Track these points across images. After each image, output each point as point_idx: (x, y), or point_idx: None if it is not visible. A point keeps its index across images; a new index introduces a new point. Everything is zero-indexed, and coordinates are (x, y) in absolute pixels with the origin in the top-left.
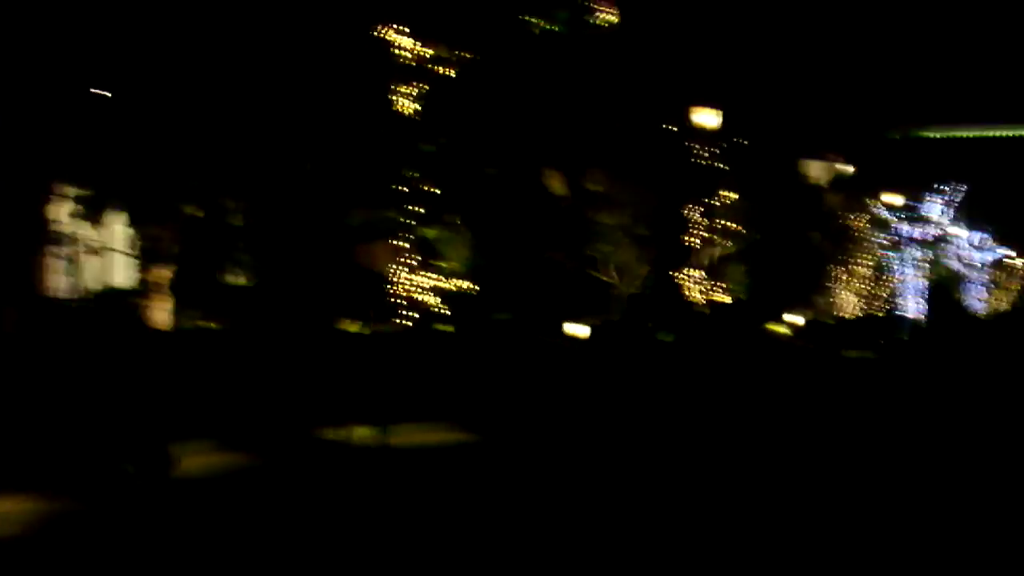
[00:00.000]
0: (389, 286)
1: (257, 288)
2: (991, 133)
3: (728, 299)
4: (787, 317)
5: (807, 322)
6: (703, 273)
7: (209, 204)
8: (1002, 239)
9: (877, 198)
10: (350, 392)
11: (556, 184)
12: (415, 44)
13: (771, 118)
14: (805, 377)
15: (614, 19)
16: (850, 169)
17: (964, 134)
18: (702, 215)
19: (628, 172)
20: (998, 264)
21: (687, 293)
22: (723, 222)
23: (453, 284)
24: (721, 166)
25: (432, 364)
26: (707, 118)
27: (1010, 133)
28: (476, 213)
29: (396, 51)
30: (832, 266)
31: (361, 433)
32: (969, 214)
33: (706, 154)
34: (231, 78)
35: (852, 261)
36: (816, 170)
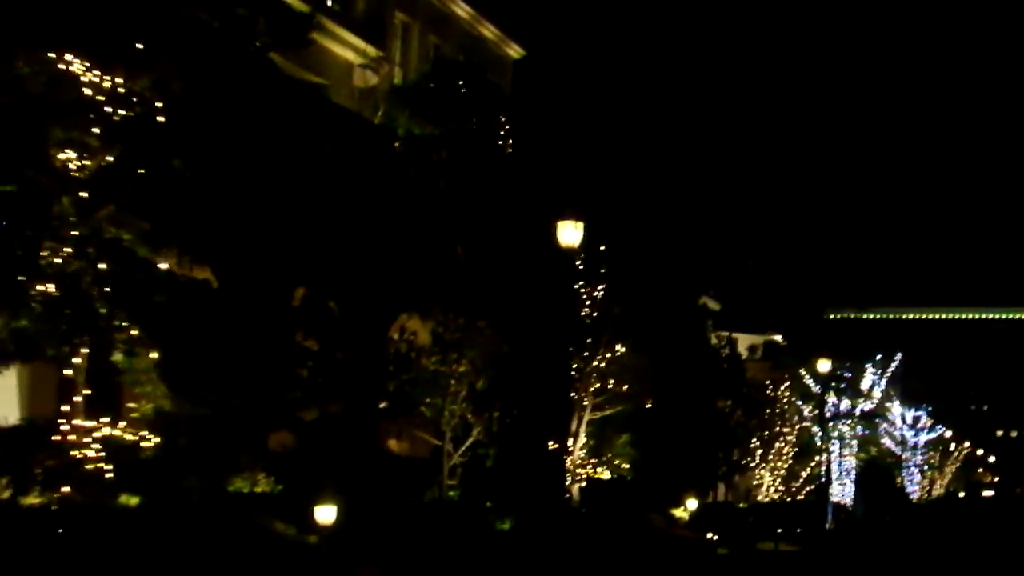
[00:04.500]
0: (41, 437)
1: None
2: (931, 315)
3: (607, 476)
4: (687, 500)
5: (713, 506)
6: (575, 442)
7: None
8: (938, 419)
9: (805, 368)
10: None
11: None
12: (99, 76)
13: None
14: None
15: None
16: (777, 337)
17: (904, 315)
18: (576, 369)
19: (470, 306)
20: (934, 445)
21: (547, 466)
22: (607, 380)
23: (144, 436)
24: (606, 312)
25: (93, 554)
26: (571, 234)
27: (949, 315)
28: (199, 335)
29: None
30: (748, 441)
31: None
32: (904, 391)
33: (584, 293)
34: None
35: (772, 436)
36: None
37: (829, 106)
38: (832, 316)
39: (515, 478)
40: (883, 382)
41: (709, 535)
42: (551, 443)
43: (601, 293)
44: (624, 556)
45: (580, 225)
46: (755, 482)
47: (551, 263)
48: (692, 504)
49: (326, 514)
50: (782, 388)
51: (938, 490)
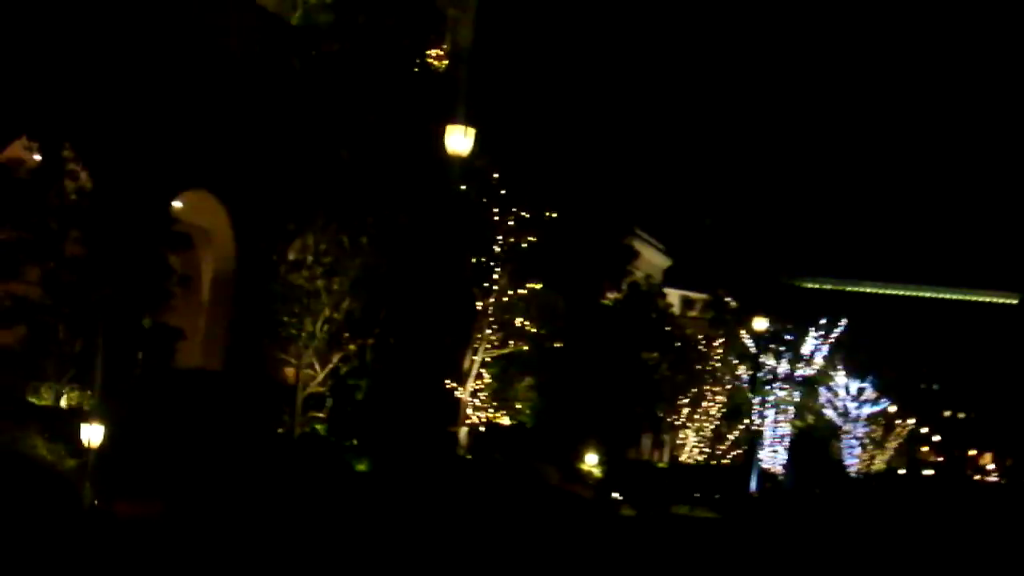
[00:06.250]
0: None
1: None
2: (890, 291)
3: (505, 421)
4: (587, 455)
5: (627, 464)
6: (467, 380)
7: None
8: (883, 393)
9: (744, 327)
10: None
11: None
12: None
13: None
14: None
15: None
16: (729, 300)
17: (861, 288)
18: (474, 300)
19: (350, 216)
20: (877, 419)
21: (427, 404)
22: (513, 316)
23: None
24: (518, 241)
25: None
26: (460, 141)
27: (908, 293)
28: None
29: None
30: (674, 397)
31: None
32: (850, 361)
33: (495, 220)
34: None
35: (701, 394)
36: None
37: (803, 80)
38: (787, 282)
39: (387, 415)
40: (825, 348)
41: (614, 494)
42: (437, 379)
43: (515, 221)
44: (495, 510)
45: (471, 132)
46: (678, 441)
47: (448, 180)
48: (592, 459)
49: (93, 434)
50: (715, 345)
51: (878, 465)
